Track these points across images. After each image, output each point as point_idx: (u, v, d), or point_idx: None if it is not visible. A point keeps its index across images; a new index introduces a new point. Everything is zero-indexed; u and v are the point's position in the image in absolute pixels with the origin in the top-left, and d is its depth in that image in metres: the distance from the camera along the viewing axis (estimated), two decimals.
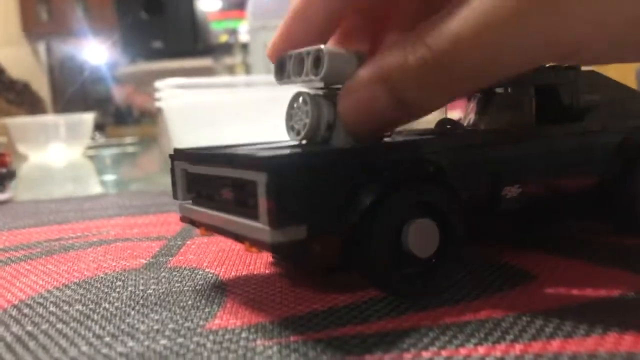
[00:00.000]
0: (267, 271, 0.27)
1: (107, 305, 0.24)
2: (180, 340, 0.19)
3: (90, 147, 1.52)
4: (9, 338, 0.21)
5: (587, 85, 0.28)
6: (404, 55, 0.20)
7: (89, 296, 0.25)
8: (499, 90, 0.26)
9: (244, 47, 2.01)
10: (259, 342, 0.19)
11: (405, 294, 0.22)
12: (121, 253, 0.33)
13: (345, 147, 0.22)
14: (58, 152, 1.29)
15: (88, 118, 1.36)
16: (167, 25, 2.11)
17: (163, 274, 0.28)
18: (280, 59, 0.24)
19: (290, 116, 0.24)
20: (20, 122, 1.31)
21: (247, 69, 1.92)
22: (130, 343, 0.19)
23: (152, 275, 0.28)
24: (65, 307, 0.24)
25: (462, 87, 0.21)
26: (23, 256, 0.34)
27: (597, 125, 0.27)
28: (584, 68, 0.28)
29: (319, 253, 0.20)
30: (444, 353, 0.17)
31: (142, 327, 0.21)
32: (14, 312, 0.23)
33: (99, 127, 1.89)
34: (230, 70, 2.12)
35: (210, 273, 0.28)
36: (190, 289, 0.25)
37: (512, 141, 0.25)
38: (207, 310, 0.22)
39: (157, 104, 0.91)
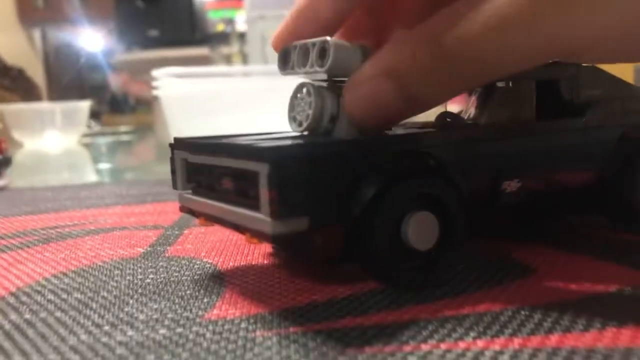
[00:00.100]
0: (265, 261, 0.27)
1: (105, 294, 0.24)
2: (179, 330, 0.19)
3: (85, 135, 1.51)
4: (7, 326, 0.21)
5: (587, 80, 0.28)
6: (412, 50, 0.20)
7: (87, 284, 0.25)
8: (500, 84, 0.26)
9: (241, 36, 2.00)
10: (258, 332, 0.19)
11: (405, 286, 0.22)
12: (118, 242, 0.33)
13: (348, 139, 0.22)
14: (53, 139, 1.28)
15: (84, 106, 1.35)
16: (163, 14, 2.09)
17: (161, 263, 0.28)
18: (284, 49, 0.24)
19: (292, 106, 0.24)
20: (15, 108, 1.31)
21: (244, 59, 1.91)
22: (130, 332, 0.19)
23: (150, 264, 0.28)
24: (64, 295, 0.24)
25: (469, 82, 0.21)
26: (20, 244, 0.34)
27: (597, 120, 0.27)
28: (584, 64, 0.28)
29: (320, 245, 0.20)
30: (442, 346, 0.17)
31: (141, 317, 0.21)
32: (12, 300, 0.23)
33: (94, 115, 1.88)
34: (227, 59, 2.12)
35: (208, 263, 0.28)
36: (189, 278, 0.25)
37: (512, 136, 0.25)
38: (205, 300, 0.22)
39: (154, 92, 0.91)
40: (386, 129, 0.24)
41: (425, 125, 0.27)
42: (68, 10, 2.31)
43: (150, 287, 0.24)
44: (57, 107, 1.30)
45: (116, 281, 0.25)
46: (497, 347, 0.17)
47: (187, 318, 0.20)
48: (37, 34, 2.47)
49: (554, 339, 0.17)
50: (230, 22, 2.20)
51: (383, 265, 0.21)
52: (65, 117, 1.29)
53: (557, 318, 0.19)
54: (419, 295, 0.22)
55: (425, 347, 0.17)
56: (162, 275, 0.26)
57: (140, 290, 0.24)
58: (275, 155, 0.19)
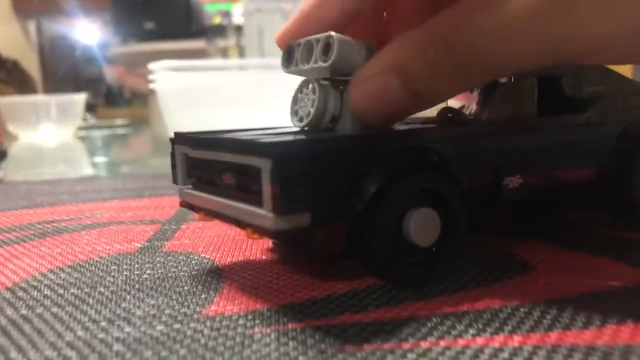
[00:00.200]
0: (264, 257, 0.27)
1: (102, 290, 0.23)
2: (176, 326, 0.19)
3: (81, 128, 1.51)
4: (3, 321, 0.20)
5: (589, 77, 0.28)
6: (419, 47, 0.20)
7: (84, 280, 0.25)
8: (502, 80, 0.26)
9: (238, 29, 1.99)
10: (256, 329, 0.19)
11: (406, 283, 0.22)
12: (115, 236, 0.33)
13: (350, 135, 0.22)
14: (49, 132, 1.28)
15: (79, 98, 1.35)
16: (159, 6, 2.08)
17: (158, 258, 0.28)
18: (288, 46, 0.24)
19: (296, 100, 0.24)
20: (10, 101, 1.30)
21: (241, 52, 1.91)
22: (127, 328, 0.19)
23: (147, 259, 0.28)
24: (60, 291, 0.23)
25: (475, 80, 0.21)
26: (16, 238, 0.34)
27: (598, 117, 0.27)
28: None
29: (321, 241, 0.20)
30: (442, 343, 0.17)
31: (139, 312, 0.21)
32: (8, 295, 0.23)
33: (90, 108, 1.88)
34: (224, 52, 2.10)
35: (206, 258, 0.28)
36: (186, 274, 0.25)
37: (514, 132, 0.25)
38: (203, 296, 0.22)
39: (150, 86, 0.90)
40: (391, 124, 0.23)
41: (427, 121, 0.27)
42: (63, 2, 2.30)
43: (148, 282, 0.24)
44: (53, 100, 1.30)
45: (113, 276, 0.25)
46: (496, 345, 0.17)
47: (185, 314, 0.20)
48: (32, 26, 2.45)
49: (553, 336, 0.17)
50: (226, 14, 2.19)
51: (384, 261, 0.21)
52: (61, 110, 1.28)
53: (557, 315, 0.19)
54: (418, 292, 0.22)
55: (424, 345, 0.17)
56: (159, 271, 0.26)
57: (137, 286, 0.24)
58: (277, 151, 0.19)
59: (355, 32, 0.23)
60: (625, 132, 0.28)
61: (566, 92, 0.27)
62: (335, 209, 0.20)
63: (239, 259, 0.27)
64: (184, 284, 0.24)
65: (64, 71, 2.29)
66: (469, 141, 0.24)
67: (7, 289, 0.24)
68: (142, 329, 0.19)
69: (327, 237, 0.20)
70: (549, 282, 0.22)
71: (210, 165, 0.24)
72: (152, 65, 0.87)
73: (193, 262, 0.27)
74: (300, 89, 0.24)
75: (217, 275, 0.25)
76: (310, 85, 0.23)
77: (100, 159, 0.96)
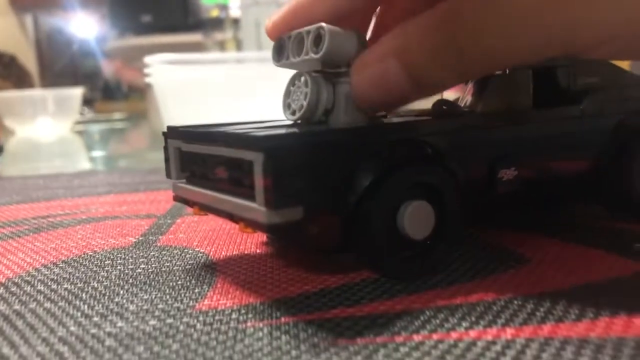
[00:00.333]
0: (258, 251, 0.27)
1: (95, 284, 0.23)
2: (169, 320, 0.19)
3: (78, 122, 1.50)
4: None
5: (584, 68, 0.27)
6: (422, 34, 0.20)
7: (77, 275, 0.25)
8: (497, 72, 0.25)
9: (235, 22, 1.99)
10: (249, 323, 0.19)
11: (401, 276, 0.22)
12: (110, 231, 0.33)
13: (343, 127, 0.22)
14: (46, 127, 1.28)
15: (76, 93, 1.34)
16: None
17: (152, 253, 0.28)
18: (279, 40, 0.24)
19: (288, 93, 0.24)
20: (7, 96, 1.29)
21: (238, 45, 1.90)
22: (120, 323, 0.19)
23: (141, 254, 0.28)
24: (54, 286, 0.23)
25: (478, 69, 0.21)
26: (10, 233, 0.34)
27: (594, 108, 0.27)
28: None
29: (315, 234, 0.20)
30: (435, 336, 0.17)
31: (131, 307, 0.21)
32: (1, 291, 0.23)
33: (87, 102, 1.87)
34: (221, 46, 2.10)
35: (201, 252, 0.27)
36: (180, 268, 0.25)
37: (509, 124, 0.25)
38: (197, 290, 0.22)
39: (147, 79, 0.90)
40: (391, 111, 0.23)
41: (422, 113, 0.27)
42: None
43: (141, 277, 0.24)
44: (50, 94, 1.29)
45: (107, 271, 0.25)
46: (489, 337, 0.17)
47: (178, 309, 0.20)
48: (29, 20, 2.44)
49: (546, 328, 0.17)
50: (224, 7, 2.19)
51: (378, 254, 0.21)
52: (58, 104, 1.28)
53: (550, 308, 0.19)
54: (411, 285, 0.22)
55: (417, 338, 0.17)
56: (153, 265, 0.26)
57: (130, 281, 0.24)
58: (270, 145, 0.19)
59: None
60: (621, 123, 0.28)
61: (561, 84, 0.27)
62: (329, 202, 0.20)
63: (234, 253, 0.27)
64: (177, 278, 0.24)
65: (61, 65, 2.29)
66: (463, 134, 0.24)
67: (1, 284, 0.24)
68: (135, 323, 0.19)
69: (321, 231, 0.20)
70: (543, 275, 0.22)
71: (204, 159, 0.24)
72: (148, 59, 0.87)
73: (187, 256, 0.27)
74: (292, 82, 0.24)
75: (211, 270, 0.25)
76: (302, 78, 0.23)
77: (97, 154, 0.96)
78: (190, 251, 0.28)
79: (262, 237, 0.29)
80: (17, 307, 0.21)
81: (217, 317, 0.19)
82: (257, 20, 1.48)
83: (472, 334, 0.17)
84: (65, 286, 0.23)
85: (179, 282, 0.23)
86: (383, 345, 0.17)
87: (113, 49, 2.20)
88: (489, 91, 0.25)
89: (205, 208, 0.24)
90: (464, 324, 0.18)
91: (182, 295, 0.22)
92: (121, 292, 0.22)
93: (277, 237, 0.27)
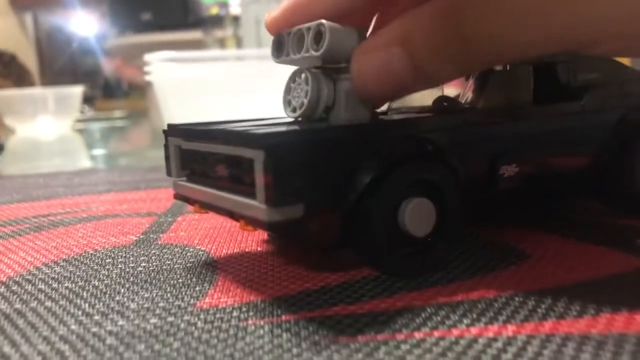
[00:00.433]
0: (259, 249, 0.27)
1: (96, 283, 0.23)
2: (170, 319, 0.19)
3: (79, 121, 1.50)
4: None
5: (585, 64, 0.27)
6: (428, 23, 0.19)
7: (78, 273, 0.25)
8: (498, 68, 0.25)
9: (235, 19, 1.98)
10: (250, 321, 0.19)
11: (402, 273, 0.22)
12: (111, 229, 0.33)
13: (344, 125, 0.22)
14: (46, 125, 1.28)
15: (77, 91, 1.34)
16: None
17: (153, 251, 0.28)
18: (278, 37, 0.23)
19: (289, 90, 0.24)
20: (7, 94, 1.29)
21: (238, 42, 1.90)
22: (120, 322, 0.19)
23: (142, 252, 0.28)
24: (54, 285, 0.23)
25: (481, 61, 0.21)
26: (11, 232, 0.34)
27: (595, 104, 0.27)
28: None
29: (316, 232, 0.20)
30: (436, 334, 0.17)
31: (132, 306, 0.21)
32: (2, 290, 0.23)
33: (87, 100, 1.87)
34: (221, 43, 2.10)
35: (202, 250, 0.27)
36: (181, 266, 0.25)
37: (510, 120, 0.25)
38: (198, 288, 0.22)
39: (146, 77, 0.90)
40: (393, 100, 0.23)
41: (423, 109, 0.27)
42: None
43: (142, 275, 0.24)
44: (50, 93, 1.29)
45: (108, 270, 0.25)
46: (490, 334, 0.17)
47: (179, 307, 0.20)
48: (28, 18, 2.44)
49: (547, 325, 0.17)
50: (224, 5, 2.18)
51: (380, 252, 0.21)
52: (58, 102, 1.28)
53: (551, 304, 0.19)
54: (412, 282, 0.22)
55: (418, 335, 0.17)
56: (154, 264, 0.26)
57: (131, 279, 0.24)
58: (270, 142, 0.19)
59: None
60: (623, 119, 0.27)
61: (562, 80, 0.27)
62: (329, 199, 0.20)
63: (234, 250, 0.27)
64: (178, 276, 0.24)
65: (61, 64, 2.29)
66: (464, 130, 0.24)
67: (2, 283, 0.24)
68: (136, 322, 0.19)
69: (321, 228, 0.20)
70: (544, 271, 0.22)
71: (204, 157, 0.24)
72: (148, 57, 0.87)
73: (188, 254, 0.27)
74: (292, 79, 0.24)
75: (212, 268, 0.25)
76: (303, 75, 0.23)
77: (98, 152, 0.96)
78: (191, 249, 0.28)
79: (263, 234, 0.29)
80: (18, 305, 0.21)
81: (218, 315, 0.19)
82: (257, 17, 1.48)
83: (474, 330, 0.17)
84: (66, 285, 0.23)
85: (180, 280, 0.23)
86: (384, 342, 0.17)
87: (113, 47, 2.20)
88: (490, 87, 0.25)
89: (205, 206, 0.24)
90: (465, 321, 0.18)
91: (183, 293, 0.22)
92: (122, 290, 0.22)
93: (278, 234, 0.27)
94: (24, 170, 0.69)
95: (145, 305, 0.20)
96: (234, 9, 2.04)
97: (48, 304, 0.21)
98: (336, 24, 0.21)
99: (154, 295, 0.22)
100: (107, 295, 0.22)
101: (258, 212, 0.20)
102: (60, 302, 0.21)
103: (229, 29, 2.09)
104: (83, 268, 0.25)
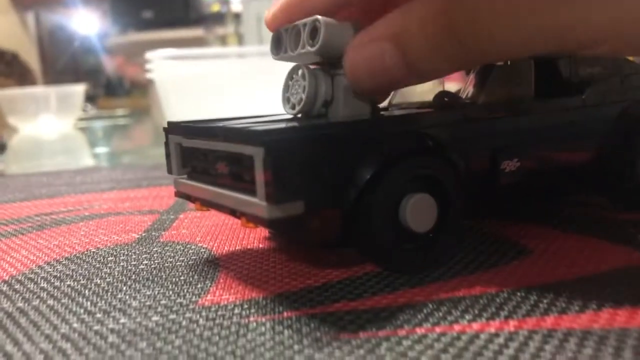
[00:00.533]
0: (260, 246, 0.27)
1: (98, 281, 0.23)
2: (172, 316, 0.19)
3: (81, 119, 1.50)
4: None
5: (586, 58, 0.27)
6: (421, 19, 0.19)
7: (80, 271, 0.25)
8: (498, 62, 0.25)
9: (237, 17, 1.98)
10: (252, 318, 0.19)
11: (403, 269, 0.22)
12: (113, 227, 0.33)
13: (343, 121, 0.22)
14: (49, 124, 1.28)
15: (79, 89, 1.34)
16: None
17: (155, 248, 0.28)
18: (276, 33, 0.24)
19: (287, 87, 0.24)
20: (9, 93, 1.29)
21: (240, 40, 1.89)
22: (122, 319, 0.19)
23: (144, 250, 0.28)
24: (57, 283, 0.23)
25: (474, 60, 0.21)
26: (14, 231, 0.34)
27: (596, 98, 0.27)
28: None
29: (316, 228, 0.20)
30: (437, 329, 0.17)
31: (134, 303, 0.21)
32: (5, 288, 0.23)
33: (90, 98, 1.87)
34: (223, 40, 2.09)
35: (203, 248, 0.28)
36: (183, 264, 0.25)
37: (511, 115, 0.25)
38: (199, 285, 0.22)
39: (148, 75, 0.90)
40: (385, 93, 0.23)
41: (423, 105, 0.27)
42: None
43: (144, 273, 0.24)
44: (52, 91, 1.29)
45: (110, 267, 0.25)
46: (492, 330, 0.17)
47: (181, 304, 0.20)
48: (30, 17, 2.44)
49: (549, 320, 0.17)
50: (225, 2, 2.18)
51: (381, 248, 0.21)
52: (60, 101, 1.28)
53: (553, 299, 0.19)
54: (414, 278, 0.22)
55: (419, 331, 0.17)
56: (156, 261, 0.26)
57: (133, 277, 0.24)
58: (270, 139, 0.19)
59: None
60: (624, 113, 0.27)
61: (563, 74, 0.27)
62: (330, 196, 0.20)
63: (236, 247, 0.27)
64: (180, 274, 0.24)
65: (63, 62, 2.29)
66: (465, 125, 0.24)
67: (4, 281, 0.24)
68: (138, 320, 0.19)
69: (322, 225, 0.20)
70: (546, 266, 0.22)
71: (205, 155, 0.24)
72: (149, 55, 0.86)
73: (190, 251, 0.27)
74: (290, 76, 0.23)
75: (214, 265, 0.25)
76: (300, 71, 0.23)
77: (101, 150, 0.96)
78: (193, 247, 0.28)
79: (264, 232, 0.29)
80: (20, 304, 0.21)
81: (219, 313, 0.19)
82: (259, 14, 1.47)
83: (475, 326, 0.17)
84: (68, 283, 0.23)
85: (182, 278, 0.23)
86: (385, 338, 0.17)
87: (115, 45, 2.20)
88: (491, 82, 0.25)
89: (206, 204, 0.24)
90: (467, 317, 0.18)
91: (185, 290, 0.22)
92: (124, 288, 0.22)
93: (279, 231, 0.27)
94: (26, 169, 0.69)
95: (147, 303, 0.21)
96: (235, 6, 2.04)
97: (50, 302, 0.21)
98: (331, 20, 0.21)
99: (156, 292, 0.22)
100: (109, 293, 0.22)
101: (258, 209, 0.20)
102: (63, 301, 0.21)
103: (230, 26, 2.09)
104: (85, 266, 0.26)
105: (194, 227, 0.32)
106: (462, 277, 0.22)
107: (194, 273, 0.24)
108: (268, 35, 0.24)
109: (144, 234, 0.31)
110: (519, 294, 0.20)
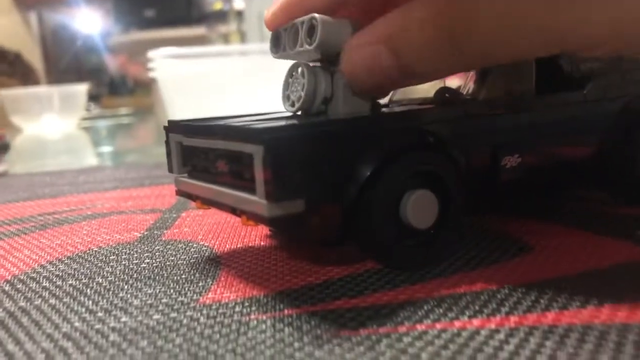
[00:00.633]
0: (262, 243, 0.27)
1: (100, 280, 0.23)
2: (173, 315, 0.19)
3: (84, 119, 1.51)
4: (1, 314, 0.20)
5: None
6: (417, 24, 0.19)
7: (82, 270, 0.25)
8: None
9: (239, 14, 1.98)
10: (252, 316, 0.19)
11: (404, 266, 0.22)
12: (115, 226, 0.33)
13: (342, 118, 0.22)
14: (52, 123, 1.28)
15: (82, 89, 1.35)
16: None
17: (157, 247, 0.28)
18: (275, 32, 0.24)
19: (287, 85, 0.24)
20: (13, 93, 1.30)
21: (242, 37, 1.90)
22: (124, 318, 0.19)
23: (146, 248, 0.28)
24: (59, 282, 0.24)
25: (471, 64, 0.21)
26: (17, 230, 0.34)
27: (597, 93, 0.27)
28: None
29: (317, 226, 0.20)
30: (438, 326, 0.17)
31: (136, 302, 0.21)
32: (7, 288, 0.23)
33: (93, 97, 1.88)
34: (225, 38, 2.10)
35: (205, 246, 0.28)
36: (185, 262, 0.25)
37: (511, 110, 0.25)
38: (201, 284, 0.22)
39: (150, 74, 0.90)
40: (382, 92, 0.23)
41: (424, 101, 0.27)
42: None
43: (146, 271, 0.24)
44: (55, 91, 1.30)
45: (111, 266, 0.25)
46: (492, 326, 0.17)
47: (182, 303, 0.20)
48: (33, 17, 2.44)
49: (550, 316, 0.17)
50: (227, 0, 2.18)
51: (382, 244, 0.21)
52: (64, 100, 1.28)
53: (554, 295, 0.19)
54: (415, 275, 0.21)
55: (420, 327, 0.17)
56: (158, 260, 0.26)
57: (135, 275, 0.24)
58: (269, 137, 0.19)
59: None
60: (625, 107, 0.27)
61: (564, 69, 0.27)
62: (330, 193, 0.20)
63: (238, 245, 0.27)
64: (182, 272, 0.24)
65: (66, 62, 2.29)
66: (466, 121, 0.23)
67: (7, 281, 0.24)
68: (139, 318, 0.19)
69: (322, 222, 0.20)
70: (547, 262, 0.22)
71: (205, 153, 0.24)
72: (151, 53, 0.87)
73: (192, 250, 0.27)
74: (290, 73, 0.23)
75: (215, 263, 0.25)
76: (300, 69, 0.23)
77: (104, 149, 0.96)
78: (194, 245, 0.28)
79: (266, 229, 0.29)
80: (22, 304, 0.21)
81: (220, 311, 0.19)
82: (261, 12, 1.47)
83: (476, 322, 0.17)
84: (70, 282, 0.23)
85: (183, 276, 0.23)
86: (386, 335, 0.17)
87: (117, 44, 2.20)
88: (492, 78, 0.25)
89: (207, 202, 0.24)
90: (468, 313, 0.18)
91: (186, 289, 0.22)
92: (125, 287, 0.22)
93: (279, 229, 0.27)
94: (30, 168, 0.69)
95: (149, 302, 0.21)
96: (238, 3, 2.04)
97: (52, 301, 0.21)
98: (329, 17, 0.21)
99: (157, 291, 0.22)
100: (110, 292, 0.22)
101: (259, 207, 0.20)
102: (64, 300, 0.21)
103: (232, 24, 2.09)
104: (87, 265, 0.26)
105: (196, 226, 0.32)
106: (463, 273, 0.22)
107: (195, 271, 0.24)
108: (270, 32, 0.24)
109: (146, 233, 0.31)
110: (520, 290, 0.20)
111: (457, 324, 0.17)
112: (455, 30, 0.19)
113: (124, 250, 0.28)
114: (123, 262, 0.26)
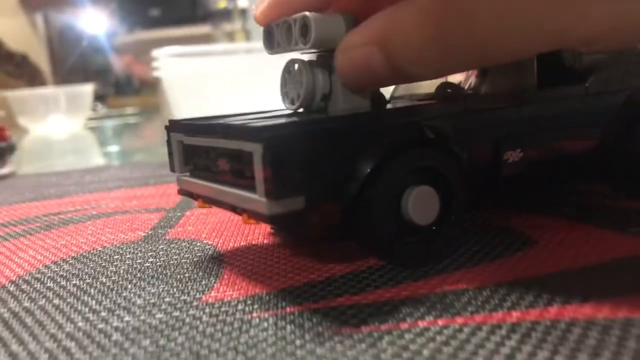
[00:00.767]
0: (265, 241, 0.27)
1: (104, 279, 0.24)
2: (176, 313, 0.19)
3: (91, 119, 1.51)
4: (6, 314, 0.21)
5: None
6: (410, 24, 0.19)
7: (86, 270, 0.25)
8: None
9: (243, 13, 1.98)
10: (255, 314, 0.19)
11: (406, 262, 0.22)
12: (120, 226, 0.33)
13: (342, 115, 0.22)
14: (59, 124, 1.28)
15: (88, 89, 1.35)
16: None
17: (161, 246, 0.28)
18: (267, 28, 0.23)
19: (284, 82, 0.24)
20: (20, 94, 1.30)
21: (247, 36, 1.90)
22: (127, 317, 0.19)
23: (150, 247, 0.28)
24: (63, 282, 0.24)
25: (464, 65, 0.20)
26: (22, 231, 0.34)
27: (599, 86, 0.27)
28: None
29: (317, 223, 0.20)
30: (440, 322, 0.17)
31: (139, 301, 0.21)
32: (12, 288, 0.23)
33: (99, 97, 1.88)
34: (230, 37, 2.10)
35: (209, 244, 0.28)
36: (188, 261, 0.25)
37: (513, 105, 0.24)
38: (204, 282, 0.22)
39: (155, 73, 0.90)
40: (376, 90, 0.23)
41: (426, 96, 0.26)
42: None
43: (149, 270, 0.24)
44: (62, 92, 1.30)
45: (115, 266, 0.25)
46: (494, 321, 0.17)
47: (185, 301, 0.20)
48: (39, 18, 2.45)
49: (552, 311, 0.17)
50: None
51: (383, 241, 0.21)
52: (70, 101, 1.29)
53: (557, 289, 0.19)
54: (417, 271, 0.21)
55: (422, 324, 0.17)
56: (161, 259, 0.26)
57: (138, 275, 0.24)
58: (269, 135, 0.19)
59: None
60: (628, 101, 0.27)
61: (566, 63, 0.27)
62: (330, 190, 0.20)
63: (241, 244, 0.27)
64: (185, 271, 0.24)
65: (71, 62, 2.30)
66: (467, 116, 0.23)
67: (11, 282, 0.24)
68: (142, 317, 0.19)
69: (323, 220, 0.20)
70: (550, 257, 0.22)
71: (206, 152, 0.24)
72: (155, 52, 0.87)
73: (195, 248, 0.27)
74: (287, 70, 0.23)
75: (219, 261, 0.25)
76: (297, 66, 0.23)
77: (111, 149, 0.96)
78: (198, 243, 0.28)
79: (268, 227, 0.29)
80: (26, 304, 0.22)
81: (223, 309, 0.19)
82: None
83: (478, 318, 0.17)
84: (74, 282, 0.24)
85: (187, 275, 0.23)
86: (388, 332, 0.17)
87: (123, 44, 2.21)
88: (493, 72, 0.25)
89: (208, 201, 0.24)
90: (470, 309, 0.18)
91: (189, 287, 0.22)
92: (129, 286, 0.22)
93: (280, 227, 0.27)
94: (37, 169, 0.70)
95: (152, 301, 0.21)
96: (242, 2, 2.04)
97: (56, 301, 0.21)
98: (320, 14, 0.21)
99: (160, 290, 0.22)
100: (114, 292, 0.22)
101: (259, 205, 0.20)
102: (68, 300, 0.22)
103: (237, 22, 2.09)
104: (91, 265, 0.26)
105: (199, 224, 0.32)
106: (466, 269, 0.21)
107: (198, 270, 0.24)
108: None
109: (150, 232, 0.31)
110: (522, 285, 0.19)
111: (459, 319, 0.17)
112: (451, 31, 0.18)
113: (128, 250, 0.28)
114: (127, 262, 0.26)
